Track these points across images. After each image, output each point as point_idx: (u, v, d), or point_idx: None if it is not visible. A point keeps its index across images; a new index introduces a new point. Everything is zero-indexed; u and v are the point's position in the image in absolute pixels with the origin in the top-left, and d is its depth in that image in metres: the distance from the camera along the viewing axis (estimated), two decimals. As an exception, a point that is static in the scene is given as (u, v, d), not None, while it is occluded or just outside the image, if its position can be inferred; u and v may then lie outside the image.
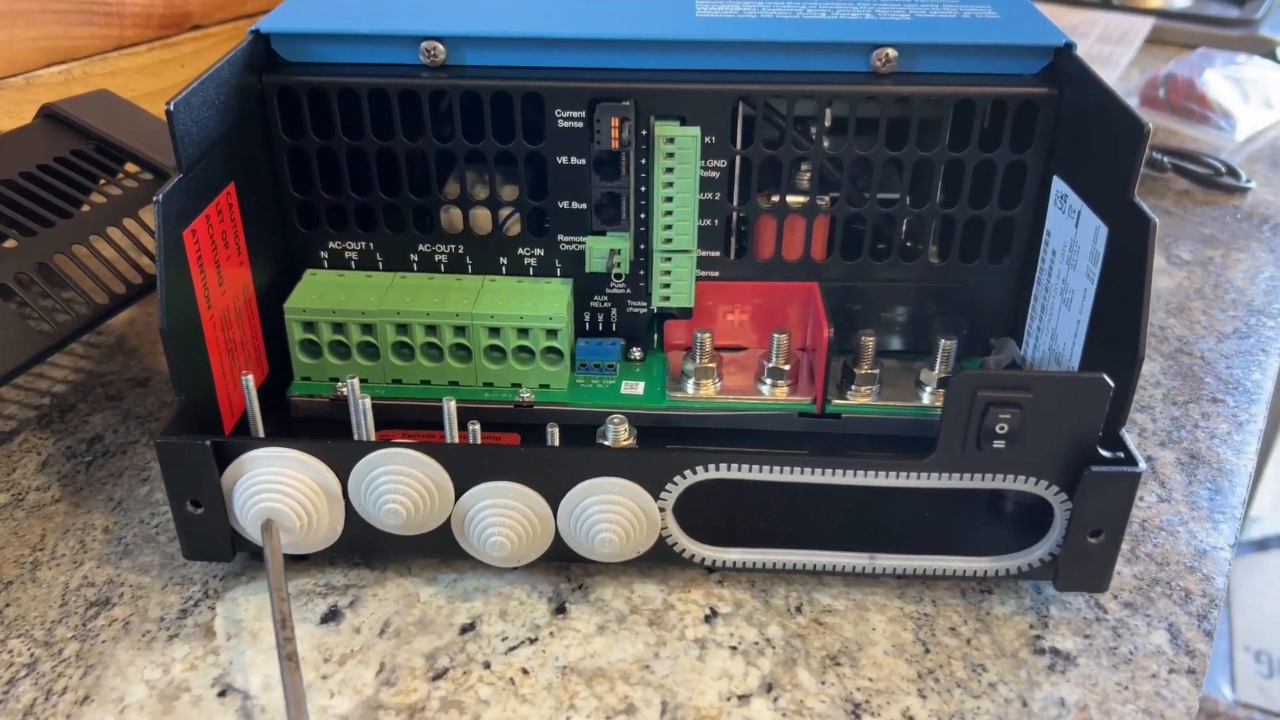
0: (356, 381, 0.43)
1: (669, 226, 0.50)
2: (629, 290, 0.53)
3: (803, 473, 0.41)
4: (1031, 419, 0.39)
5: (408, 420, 0.51)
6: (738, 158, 0.50)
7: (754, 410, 0.51)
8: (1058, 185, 0.48)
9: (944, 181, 0.50)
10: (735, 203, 0.52)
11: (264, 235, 0.51)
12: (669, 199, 0.49)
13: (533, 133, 0.50)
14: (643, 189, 0.50)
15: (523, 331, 0.50)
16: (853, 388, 0.51)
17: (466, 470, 0.41)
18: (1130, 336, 0.40)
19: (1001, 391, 0.38)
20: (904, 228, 0.52)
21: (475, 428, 0.43)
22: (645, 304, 0.54)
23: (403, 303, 0.50)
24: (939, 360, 0.50)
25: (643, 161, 0.50)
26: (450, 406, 0.42)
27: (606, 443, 0.46)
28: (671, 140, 0.48)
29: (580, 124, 0.49)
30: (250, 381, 0.43)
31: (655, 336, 0.55)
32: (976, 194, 0.50)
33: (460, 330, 0.50)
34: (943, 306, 0.53)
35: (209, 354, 0.45)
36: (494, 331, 0.50)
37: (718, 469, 0.41)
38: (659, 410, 0.51)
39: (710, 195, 0.51)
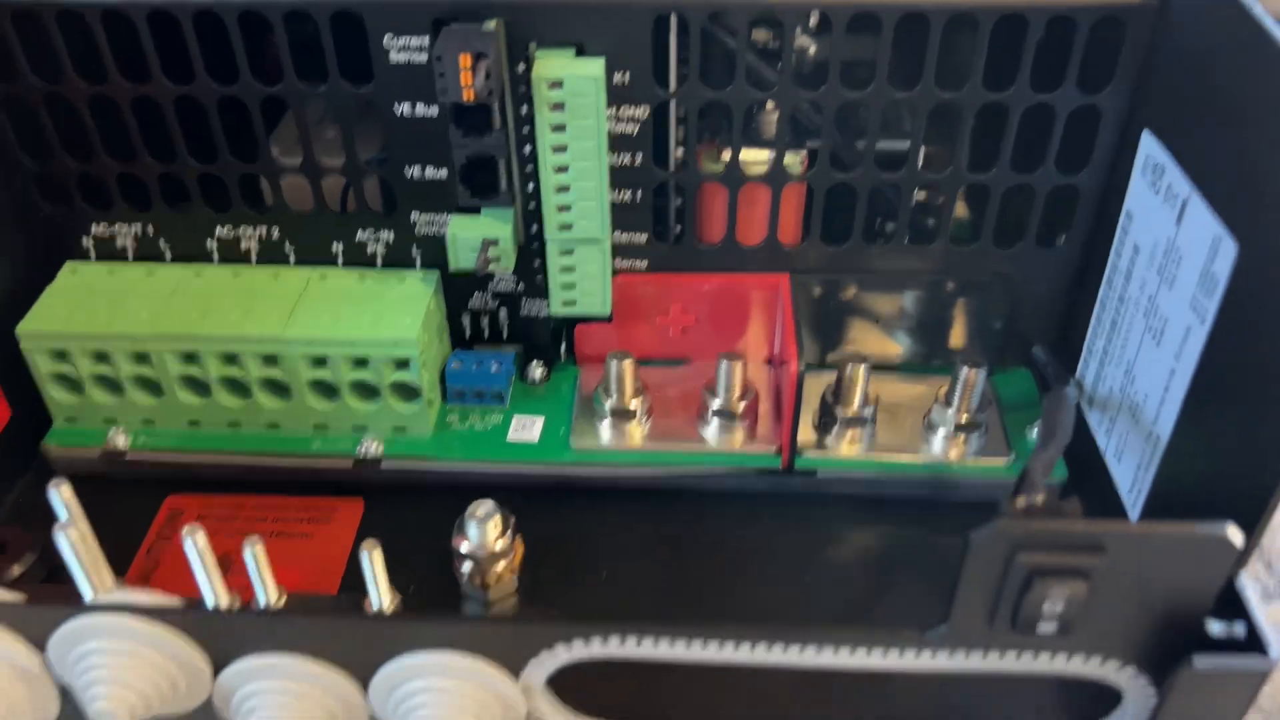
0: (63, 489, 0.28)
1: (566, 207, 0.34)
2: (522, 285, 0.38)
3: (729, 648, 0.26)
4: (1103, 591, 0.24)
5: (207, 479, 0.36)
6: (670, 102, 0.34)
7: (694, 466, 0.36)
8: (1150, 148, 0.31)
9: (975, 132, 0.34)
10: (669, 167, 0.35)
11: (-18, 224, 0.35)
12: (562, 168, 0.33)
13: (357, 68, 0.33)
14: (527, 148, 0.34)
15: (360, 362, 0.35)
16: (834, 431, 0.36)
17: (224, 641, 0.27)
18: (1273, 440, 0.24)
19: (1057, 555, 0.23)
20: (915, 197, 0.36)
21: (255, 551, 0.28)
22: (547, 304, 0.38)
23: (187, 320, 0.35)
24: (959, 394, 0.35)
25: (523, 110, 0.33)
26: (198, 542, 0.27)
27: (464, 548, 0.32)
28: (559, 84, 0.31)
29: (423, 56, 0.33)
30: (-92, 489, 0.28)
31: (563, 345, 0.39)
32: (1024, 151, 0.34)
33: (270, 360, 0.35)
34: (967, 309, 0.37)
35: None
36: (318, 362, 0.35)
37: (603, 643, 0.26)
38: (560, 468, 0.36)
39: (627, 158, 0.34)
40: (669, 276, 0.37)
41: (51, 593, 0.30)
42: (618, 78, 0.33)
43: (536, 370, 0.39)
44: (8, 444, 0.36)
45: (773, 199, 0.35)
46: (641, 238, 0.36)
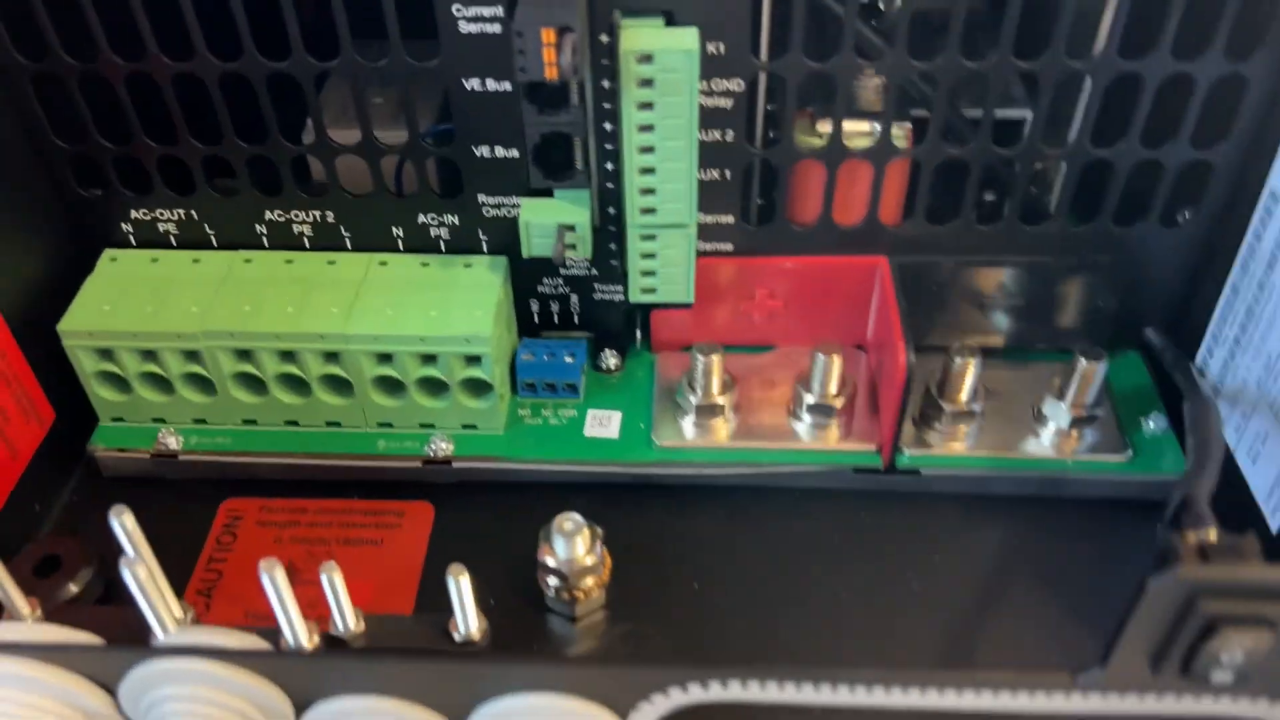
0: (125, 518, 0.26)
1: (650, 190, 0.31)
2: (595, 270, 0.35)
3: (861, 692, 0.24)
4: (1289, 638, 0.22)
5: (264, 481, 0.34)
6: (761, 74, 0.31)
7: (787, 465, 0.33)
8: (1307, 123, 0.28)
9: (1098, 100, 0.31)
10: (758, 144, 0.32)
11: (20, 210, 0.32)
12: (648, 148, 0.30)
13: (422, 38, 0.30)
14: (606, 125, 0.31)
15: (428, 358, 0.33)
16: (937, 427, 0.33)
17: (308, 682, 0.25)
18: None
19: (1242, 602, 0.21)
20: (1028, 172, 0.33)
21: (333, 579, 0.26)
22: (621, 290, 0.35)
23: (240, 314, 0.32)
24: (1074, 386, 0.32)
25: (605, 84, 0.30)
26: (278, 578, 0.25)
27: (550, 562, 0.30)
28: (649, 58, 0.28)
29: (496, 27, 0.29)
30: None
31: (638, 332, 0.37)
32: (1157, 124, 0.31)
33: (331, 357, 0.33)
34: (1078, 291, 0.34)
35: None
36: (383, 358, 0.33)
37: (723, 687, 0.24)
38: (643, 467, 0.34)
39: (718, 134, 0.32)
40: (756, 261, 0.34)
41: (116, 621, 0.28)
42: (711, 48, 0.30)
43: (610, 359, 0.36)
44: (53, 446, 0.34)
45: (875, 175, 0.32)
46: (727, 219, 0.33)
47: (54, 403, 0.34)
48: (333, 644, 0.27)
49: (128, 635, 0.27)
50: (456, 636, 0.28)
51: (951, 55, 0.29)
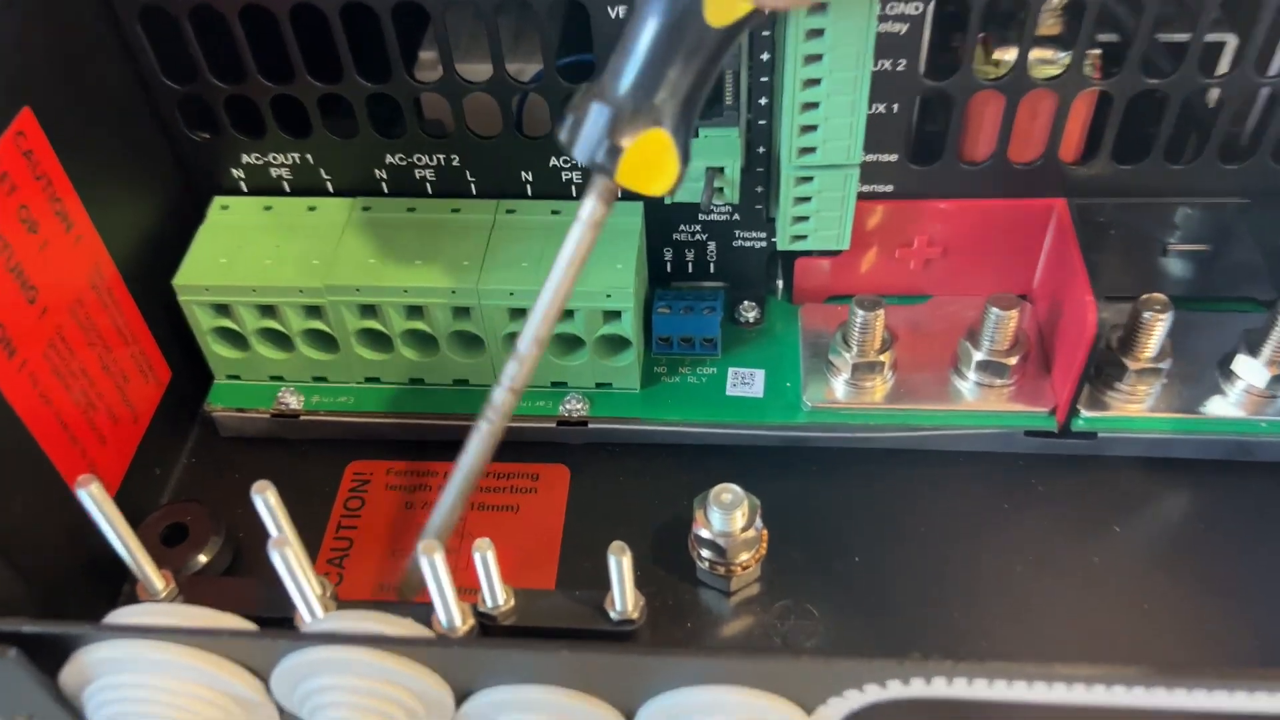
0: (269, 495, 0.24)
1: (811, 127, 0.28)
2: (736, 215, 0.32)
3: (1080, 689, 0.22)
4: None
5: (387, 441, 0.32)
6: (939, -6, 0.28)
7: (949, 429, 0.31)
8: None
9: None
10: (933, 75, 0.29)
11: (131, 158, 0.30)
12: (813, 80, 0.27)
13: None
14: (764, 56, 0.28)
15: (565, 313, 0.30)
16: (1118, 387, 0.30)
17: (467, 670, 0.23)
18: None
19: None
20: (1232, 104, 0.29)
21: (487, 556, 0.24)
22: (764, 236, 0.33)
23: (365, 268, 0.30)
24: (1272, 342, 0.29)
25: (766, 12, 0.27)
26: (437, 563, 0.23)
27: (705, 534, 0.28)
28: (823, -21, 0.25)
29: (649, -51, 0.26)
30: (94, 494, 0.24)
31: (779, 282, 0.34)
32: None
33: (462, 312, 0.31)
34: (1275, 237, 0.31)
35: (30, 430, 0.26)
36: (517, 313, 0.31)
37: (926, 683, 0.22)
38: (793, 430, 0.31)
39: (889, 64, 0.28)
40: (917, 204, 0.31)
41: (259, 598, 0.26)
42: (888, -32, 0.26)
43: (749, 311, 0.34)
44: (169, 407, 0.32)
45: (1059, 108, 0.29)
46: (890, 158, 0.30)
47: (168, 360, 0.32)
48: (487, 628, 0.26)
49: (275, 615, 0.25)
50: (613, 614, 0.26)
51: (1163, -29, 0.26)
